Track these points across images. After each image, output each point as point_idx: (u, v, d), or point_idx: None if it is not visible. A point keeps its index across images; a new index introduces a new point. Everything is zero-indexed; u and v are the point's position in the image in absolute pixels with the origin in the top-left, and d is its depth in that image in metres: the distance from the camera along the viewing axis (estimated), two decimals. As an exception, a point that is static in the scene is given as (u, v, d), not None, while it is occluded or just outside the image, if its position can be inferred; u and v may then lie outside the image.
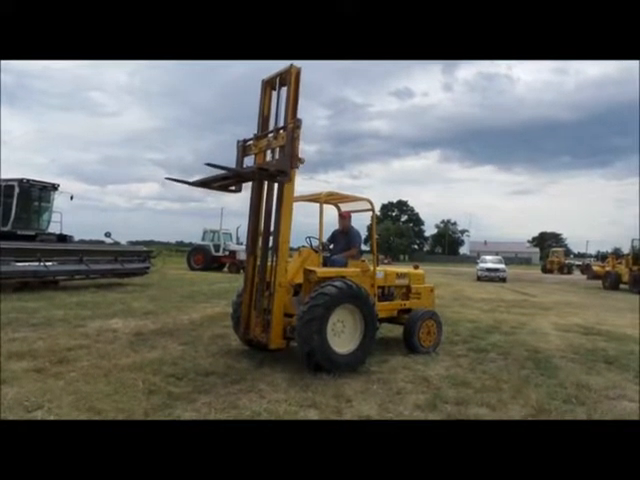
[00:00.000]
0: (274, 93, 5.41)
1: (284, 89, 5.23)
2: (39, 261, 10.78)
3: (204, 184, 5.23)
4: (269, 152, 5.41)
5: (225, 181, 5.19)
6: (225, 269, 23.67)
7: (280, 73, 5.20)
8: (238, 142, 5.53)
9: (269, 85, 5.43)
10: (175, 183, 5.25)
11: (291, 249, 5.46)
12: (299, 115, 5.02)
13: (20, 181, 12.66)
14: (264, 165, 5.17)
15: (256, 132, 5.47)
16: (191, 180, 5.27)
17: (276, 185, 5.13)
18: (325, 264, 5.49)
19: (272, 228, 5.10)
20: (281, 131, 5.10)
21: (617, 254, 27.44)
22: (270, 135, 5.27)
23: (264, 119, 5.45)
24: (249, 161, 5.52)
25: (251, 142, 5.48)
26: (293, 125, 4.89)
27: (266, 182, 5.26)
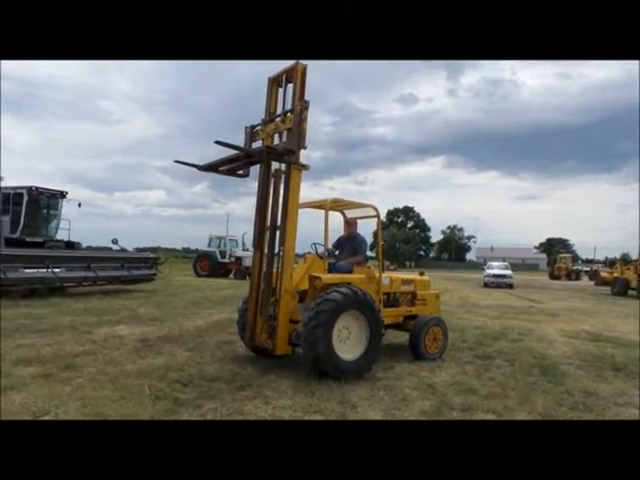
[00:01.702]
0: (280, 90, 5.45)
1: (290, 87, 5.25)
2: (47, 268, 10.88)
3: (212, 167, 5.29)
4: (276, 137, 5.41)
5: (233, 163, 5.22)
6: (231, 275, 23.71)
7: (286, 70, 5.23)
8: (246, 127, 5.55)
9: (275, 82, 5.48)
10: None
11: (297, 255, 5.47)
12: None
13: (29, 189, 12.83)
14: (272, 145, 5.20)
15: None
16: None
17: (282, 178, 5.12)
18: (330, 270, 5.50)
19: (279, 222, 5.06)
20: (289, 114, 5.11)
21: (625, 260, 27.19)
22: (278, 119, 5.29)
23: (270, 115, 5.48)
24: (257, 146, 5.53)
25: (259, 127, 5.50)
26: (301, 106, 4.90)
27: (273, 176, 5.25)
